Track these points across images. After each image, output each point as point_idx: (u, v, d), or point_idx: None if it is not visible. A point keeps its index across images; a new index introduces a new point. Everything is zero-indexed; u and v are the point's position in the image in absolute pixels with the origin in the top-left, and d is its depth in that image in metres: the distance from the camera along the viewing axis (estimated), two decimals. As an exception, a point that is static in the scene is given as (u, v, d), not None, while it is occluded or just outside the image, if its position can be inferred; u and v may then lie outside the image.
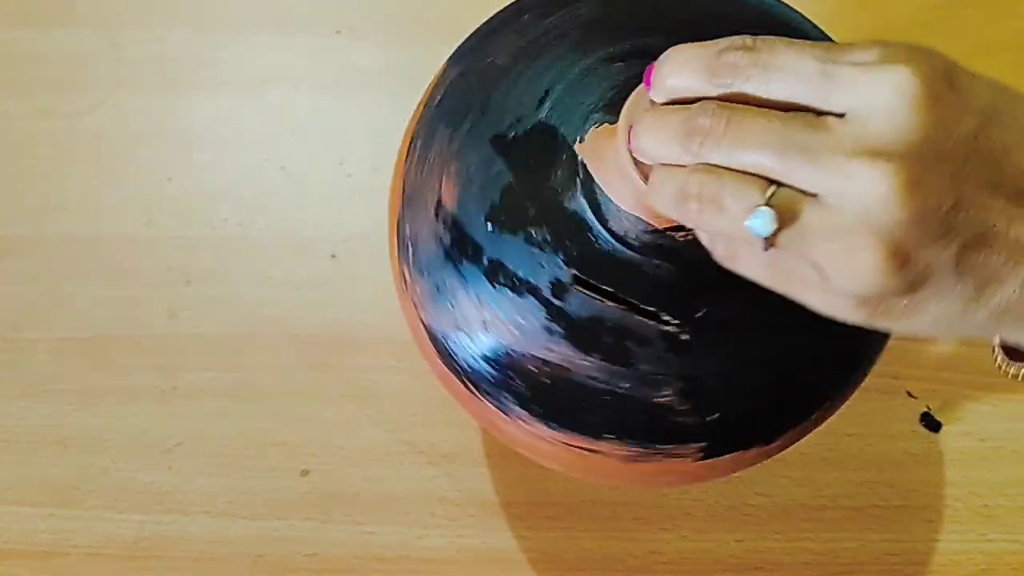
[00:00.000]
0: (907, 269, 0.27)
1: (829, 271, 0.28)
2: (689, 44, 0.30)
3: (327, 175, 0.59)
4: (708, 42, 0.30)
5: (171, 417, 0.55)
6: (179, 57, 0.62)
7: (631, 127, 0.31)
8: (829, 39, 0.39)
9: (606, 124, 0.36)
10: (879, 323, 0.29)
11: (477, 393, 0.38)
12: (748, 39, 0.29)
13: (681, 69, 0.30)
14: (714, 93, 0.29)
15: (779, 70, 0.28)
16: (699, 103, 0.29)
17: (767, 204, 0.28)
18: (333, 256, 0.58)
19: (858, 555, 0.53)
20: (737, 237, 0.29)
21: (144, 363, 0.56)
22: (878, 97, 0.27)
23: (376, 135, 0.60)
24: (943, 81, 0.27)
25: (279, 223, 0.59)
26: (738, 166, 0.28)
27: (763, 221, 0.28)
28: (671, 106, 0.30)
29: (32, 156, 0.60)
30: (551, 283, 0.35)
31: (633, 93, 0.32)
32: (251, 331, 0.56)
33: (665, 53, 0.30)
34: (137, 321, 0.57)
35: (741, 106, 0.28)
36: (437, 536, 0.53)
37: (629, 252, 0.35)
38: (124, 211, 0.59)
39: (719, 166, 0.29)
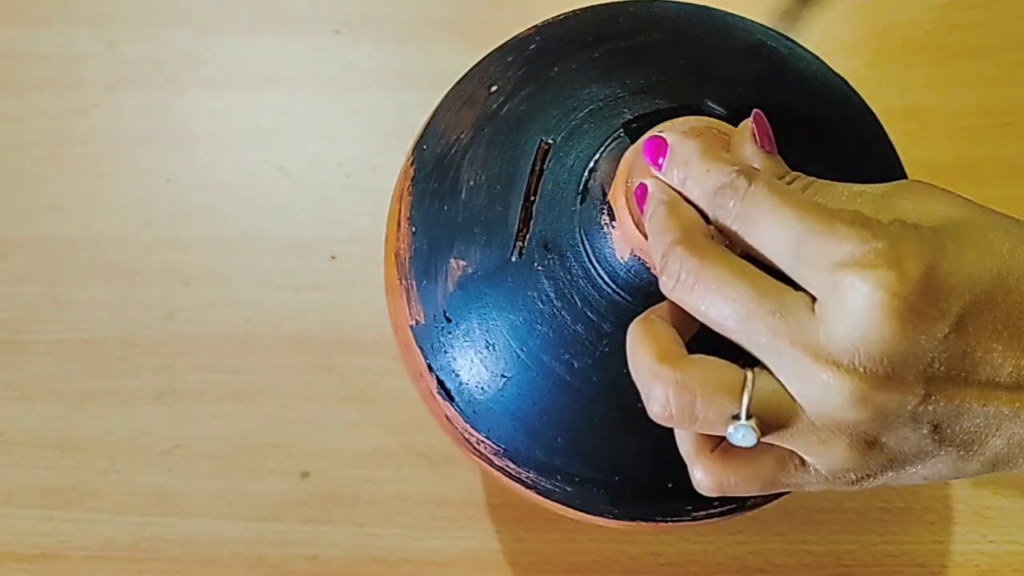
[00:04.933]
0: (881, 452, 0.28)
1: (807, 459, 0.29)
2: (695, 150, 0.30)
3: (326, 176, 0.59)
4: (714, 163, 0.29)
5: (170, 419, 0.55)
6: (177, 57, 0.62)
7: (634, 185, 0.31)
8: (856, 97, 0.39)
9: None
10: (875, 486, 0.30)
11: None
12: (743, 180, 0.28)
13: (686, 180, 0.30)
14: (710, 215, 0.29)
15: (759, 233, 0.28)
16: (672, 251, 0.29)
17: (747, 415, 0.27)
18: (332, 257, 0.58)
19: (860, 557, 0.53)
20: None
21: (142, 364, 0.56)
22: (845, 303, 0.26)
23: (375, 136, 0.60)
24: (918, 291, 0.26)
25: (278, 224, 0.58)
26: (704, 320, 0.28)
27: (744, 434, 0.28)
28: (676, 205, 0.30)
29: (29, 156, 0.60)
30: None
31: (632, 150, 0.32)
32: (250, 332, 0.56)
33: (673, 148, 0.30)
34: (135, 322, 0.57)
35: (717, 259, 0.28)
36: (437, 538, 0.53)
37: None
38: (122, 212, 0.59)
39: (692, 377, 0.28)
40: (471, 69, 0.40)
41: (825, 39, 0.60)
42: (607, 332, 0.34)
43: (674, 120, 0.32)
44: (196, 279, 0.57)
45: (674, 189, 0.31)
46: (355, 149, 0.60)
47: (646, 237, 0.31)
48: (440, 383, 0.37)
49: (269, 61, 0.62)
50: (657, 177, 0.31)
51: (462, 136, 0.37)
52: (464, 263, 0.35)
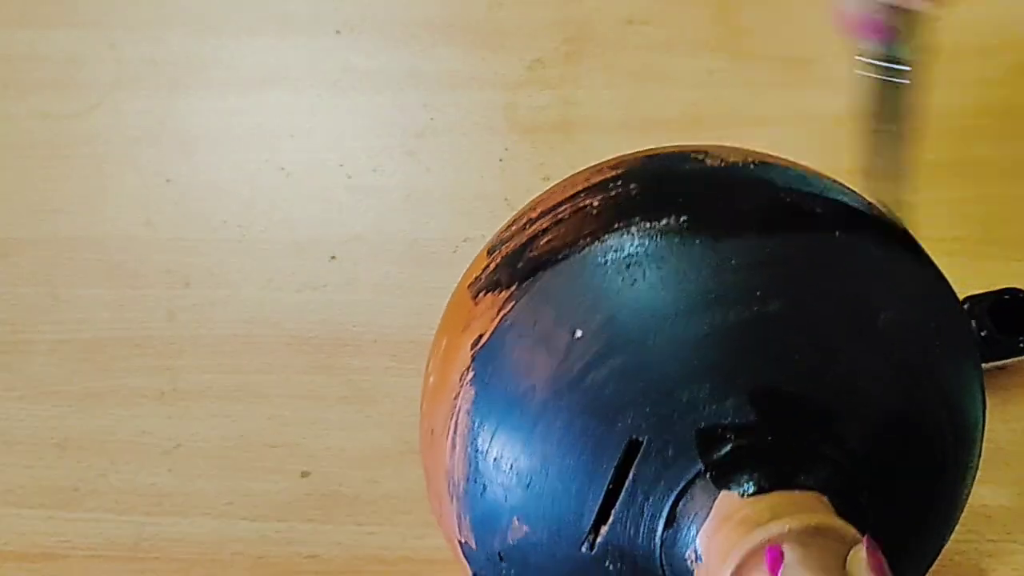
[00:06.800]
0: None
1: None
2: None
3: (327, 176, 0.59)
4: None
5: (171, 419, 0.55)
6: (178, 58, 0.62)
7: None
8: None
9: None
10: None
11: None
12: None
13: None
14: None
15: None
16: None
17: None
18: (333, 258, 0.58)
19: (858, 556, 0.53)
20: None
21: (143, 364, 0.56)
22: None
23: (376, 136, 0.60)
24: None
25: (279, 224, 0.59)
26: None
27: None
28: None
29: (31, 157, 0.60)
30: None
31: None
32: (250, 332, 0.56)
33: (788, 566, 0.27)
34: (136, 322, 0.57)
35: None
36: (438, 536, 0.53)
37: None
38: (123, 212, 0.59)
39: None
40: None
41: (824, 39, 0.60)
42: None
43: (793, 516, 0.28)
44: (197, 279, 0.57)
45: None
46: (356, 149, 0.60)
47: None
48: None
49: (270, 62, 0.62)
50: None
51: (536, 388, 0.32)
52: (527, 529, 0.32)
